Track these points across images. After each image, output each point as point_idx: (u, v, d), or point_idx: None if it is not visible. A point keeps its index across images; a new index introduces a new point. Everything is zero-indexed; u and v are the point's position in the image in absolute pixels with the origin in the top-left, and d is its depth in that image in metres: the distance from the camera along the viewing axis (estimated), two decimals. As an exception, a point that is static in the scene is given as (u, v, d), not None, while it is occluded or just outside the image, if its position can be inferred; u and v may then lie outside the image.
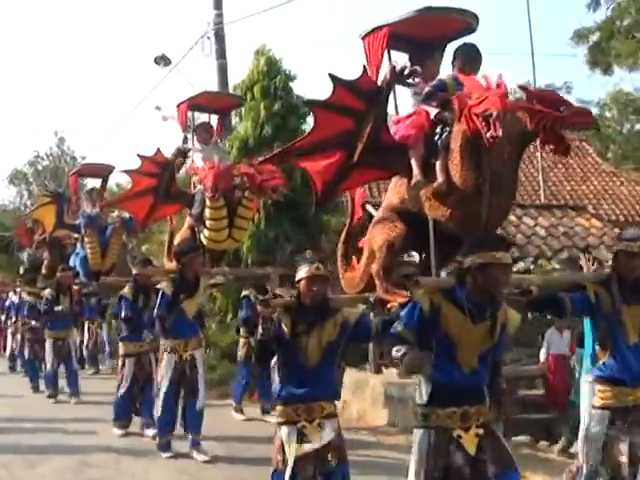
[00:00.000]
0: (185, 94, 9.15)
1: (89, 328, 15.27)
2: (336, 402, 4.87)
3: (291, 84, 12.68)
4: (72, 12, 61.79)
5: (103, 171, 12.62)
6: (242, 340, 9.64)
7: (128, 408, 8.71)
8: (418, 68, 5.46)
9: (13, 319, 15.76)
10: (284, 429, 4.66)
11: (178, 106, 8.92)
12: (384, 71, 5.50)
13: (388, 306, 5.10)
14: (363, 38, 5.63)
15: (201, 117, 9.75)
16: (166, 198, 8.26)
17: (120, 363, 8.81)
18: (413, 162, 5.37)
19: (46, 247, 13.59)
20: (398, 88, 5.67)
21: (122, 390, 8.58)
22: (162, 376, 7.49)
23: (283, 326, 4.71)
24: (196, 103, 9.03)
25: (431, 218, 5.35)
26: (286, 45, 52.33)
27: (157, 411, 7.61)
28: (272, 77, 12.39)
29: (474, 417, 4.14)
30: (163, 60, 16.36)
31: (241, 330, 9.70)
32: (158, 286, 7.44)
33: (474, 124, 4.81)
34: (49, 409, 10.70)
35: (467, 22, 5.65)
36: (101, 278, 10.42)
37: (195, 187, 8.40)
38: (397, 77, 5.43)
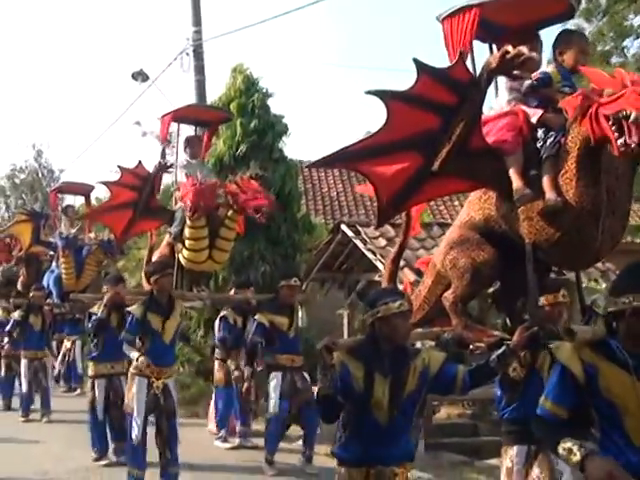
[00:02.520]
0: (163, 110, 8.94)
1: (65, 345, 15.12)
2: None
3: (268, 102, 12.69)
4: (51, 26, 61.80)
5: (83, 189, 12.62)
6: (217, 362, 9.30)
7: (104, 435, 8.26)
8: (535, 55, 4.35)
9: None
10: None
11: (162, 117, 8.61)
12: (478, 58, 4.55)
13: (471, 347, 4.54)
14: (443, 20, 4.68)
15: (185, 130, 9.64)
16: (146, 213, 7.97)
17: (89, 384, 8.40)
18: (512, 172, 4.42)
19: (23, 263, 13.55)
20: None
21: (97, 415, 8.11)
22: (134, 402, 6.84)
23: (352, 375, 3.87)
24: (181, 115, 8.66)
25: (529, 242, 4.44)
26: (264, 63, 52.50)
27: (133, 440, 6.90)
28: (250, 95, 12.39)
29: None
30: (141, 76, 16.36)
31: (216, 351, 9.37)
32: (128, 309, 7.05)
33: (600, 128, 3.91)
34: (19, 428, 10.54)
35: (568, 3, 4.75)
36: (72, 294, 10.24)
37: (177, 203, 8.12)
38: (506, 66, 4.16)
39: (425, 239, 10.31)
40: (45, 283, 11.87)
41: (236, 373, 8.95)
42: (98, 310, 7.94)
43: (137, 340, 6.90)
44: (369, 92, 4.12)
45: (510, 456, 5.01)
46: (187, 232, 7.69)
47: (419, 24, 55.86)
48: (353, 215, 18.50)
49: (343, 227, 11.08)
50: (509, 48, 4.12)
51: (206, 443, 9.21)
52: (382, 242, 10.30)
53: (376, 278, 9.88)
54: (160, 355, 6.89)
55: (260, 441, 8.55)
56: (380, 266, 9.68)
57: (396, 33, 57.62)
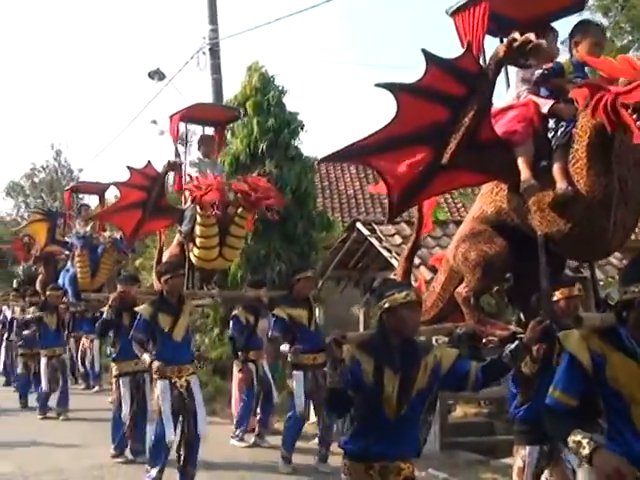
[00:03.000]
0: (179, 108, 8.87)
1: (83, 343, 15.22)
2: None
3: (284, 99, 12.67)
4: (69, 26, 62.15)
5: (98, 189, 12.70)
6: (237, 362, 9.26)
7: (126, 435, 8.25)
8: (544, 42, 4.20)
9: (6, 334, 15.70)
10: None
11: (171, 117, 8.69)
12: (485, 49, 4.53)
13: (483, 341, 4.44)
14: (453, 15, 4.69)
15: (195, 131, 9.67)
16: (155, 212, 8.02)
17: (114, 384, 8.37)
18: (521, 163, 4.39)
19: (41, 262, 13.66)
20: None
21: (124, 414, 8.04)
22: (159, 404, 6.78)
23: (363, 369, 3.82)
24: (189, 115, 8.72)
25: (541, 234, 4.40)
26: (280, 60, 52.64)
27: (152, 440, 6.98)
28: (265, 93, 12.38)
29: None
30: (157, 75, 16.40)
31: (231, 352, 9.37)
32: (136, 309, 7.05)
33: (619, 117, 3.76)
34: (36, 426, 10.61)
35: None
36: (83, 294, 10.31)
37: (186, 202, 8.12)
38: (514, 54, 4.14)
39: (441, 237, 10.21)
40: (60, 282, 11.95)
41: (240, 375, 9.00)
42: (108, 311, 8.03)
43: (148, 340, 6.88)
44: (379, 85, 4.12)
45: (522, 456, 4.97)
46: (198, 230, 7.72)
47: (433, 20, 55.56)
48: (370, 213, 18.46)
49: (358, 225, 11.00)
50: (516, 35, 4.10)
51: (222, 441, 9.19)
52: (398, 240, 10.23)
53: (391, 276, 9.83)
54: (173, 354, 6.82)
55: (275, 440, 8.56)
56: (396, 264, 9.61)
57: (411, 30, 57.35)
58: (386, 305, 3.81)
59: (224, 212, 7.73)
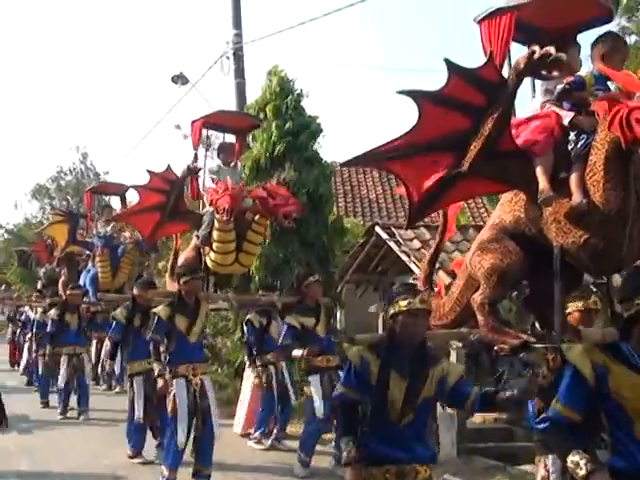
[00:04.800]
0: (203, 113, 9.05)
1: (106, 345, 15.32)
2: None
3: (302, 102, 12.67)
4: (95, 31, 62.89)
5: (118, 189, 12.79)
6: (252, 366, 9.27)
7: (143, 435, 8.37)
8: (563, 55, 4.17)
9: (29, 335, 15.86)
10: None
11: (192, 123, 8.79)
12: (512, 60, 4.48)
13: (495, 348, 4.43)
14: (480, 22, 4.69)
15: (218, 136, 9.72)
16: (173, 216, 8.15)
17: (128, 383, 8.57)
18: (539, 173, 4.40)
19: (64, 264, 13.77)
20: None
21: (138, 414, 8.13)
22: (176, 403, 6.82)
23: (370, 370, 3.87)
24: (211, 122, 8.89)
25: (557, 245, 4.40)
26: (301, 65, 52.87)
27: (177, 444, 6.89)
28: (284, 97, 12.40)
29: None
30: (180, 79, 16.52)
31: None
32: (154, 310, 7.13)
33: (632, 132, 3.83)
34: (57, 426, 10.71)
35: (606, 7, 4.72)
36: (99, 294, 10.41)
37: (205, 207, 8.25)
38: (534, 66, 4.17)
39: (460, 242, 10.20)
40: (82, 282, 12.06)
41: (256, 381, 9.03)
42: (120, 315, 8.30)
43: (163, 340, 6.98)
44: (401, 92, 4.15)
45: (545, 465, 4.94)
46: (215, 235, 7.80)
47: (458, 25, 55.45)
48: (392, 217, 18.47)
49: (377, 229, 11.01)
50: (536, 48, 4.11)
51: (239, 443, 9.25)
52: (417, 244, 10.23)
53: (410, 280, 9.82)
54: (189, 353, 6.97)
55: (293, 443, 8.56)
56: (415, 268, 9.60)
57: (434, 34, 57.20)
58: (390, 311, 3.90)
59: (241, 218, 7.80)
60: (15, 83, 66.07)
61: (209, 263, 7.97)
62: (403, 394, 3.81)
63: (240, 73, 15.74)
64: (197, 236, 8.22)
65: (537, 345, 4.49)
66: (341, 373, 7.95)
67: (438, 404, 4.52)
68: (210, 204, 7.87)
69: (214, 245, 7.85)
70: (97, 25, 64.09)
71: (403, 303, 3.84)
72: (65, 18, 65.01)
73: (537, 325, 4.98)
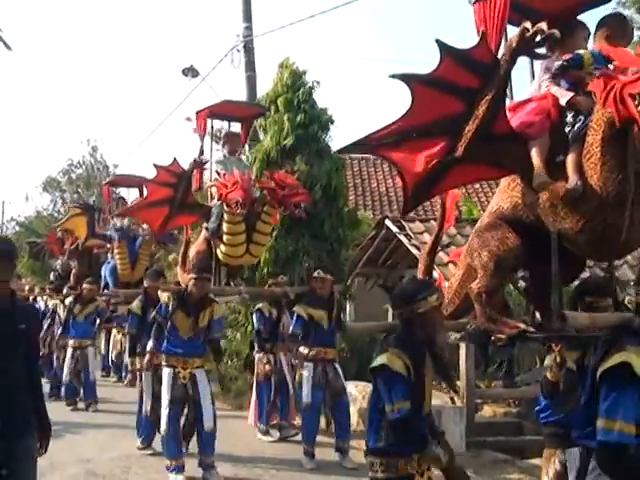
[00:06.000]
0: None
1: (115, 336, 15.38)
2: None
3: (314, 94, 12.64)
4: (106, 24, 62.94)
5: (136, 182, 12.85)
6: (258, 355, 9.30)
7: (153, 427, 8.31)
8: (556, 32, 4.03)
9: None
10: None
11: (197, 113, 8.84)
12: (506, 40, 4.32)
13: (492, 338, 4.41)
14: (474, 3, 4.52)
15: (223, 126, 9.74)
16: (182, 209, 8.15)
17: (138, 376, 8.63)
18: (534, 156, 4.24)
19: (76, 256, 13.83)
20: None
21: (146, 407, 8.23)
22: (163, 392, 7.14)
23: (411, 370, 3.85)
24: (216, 111, 8.95)
25: (554, 230, 4.25)
26: (312, 57, 52.68)
27: (162, 431, 7.25)
28: (295, 90, 12.38)
29: None
30: (191, 72, 16.54)
31: (256, 346, 9.41)
32: (160, 296, 7.33)
33: (626, 108, 3.68)
34: (66, 417, 10.75)
35: None
36: (112, 289, 10.46)
37: (213, 199, 8.24)
38: (528, 44, 4.05)
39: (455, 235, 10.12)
40: (102, 274, 12.16)
41: (267, 367, 9.04)
42: (136, 308, 8.41)
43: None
44: (394, 76, 4.04)
45: (561, 460, 4.86)
46: (225, 227, 7.79)
47: (466, 19, 55.09)
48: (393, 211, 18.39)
49: (387, 222, 10.99)
50: (527, 25, 3.98)
51: (248, 435, 9.27)
52: (427, 237, 10.19)
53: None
54: (179, 347, 7.10)
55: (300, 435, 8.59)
56: (424, 262, 9.57)
57: (443, 25, 56.99)
58: (421, 309, 3.86)
59: (250, 209, 7.78)
60: (26, 76, 66.31)
61: (220, 255, 7.97)
62: (428, 391, 3.94)
63: (251, 66, 15.77)
64: (207, 228, 8.23)
65: (536, 335, 4.40)
66: (337, 365, 8.09)
67: (447, 397, 4.56)
68: (219, 198, 7.81)
69: (224, 237, 7.85)
70: (108, 18, 64.31)
71: (433, 298, 3.87)
72: (76, 11, 65.20)
73: (537, 315, 4.80)
